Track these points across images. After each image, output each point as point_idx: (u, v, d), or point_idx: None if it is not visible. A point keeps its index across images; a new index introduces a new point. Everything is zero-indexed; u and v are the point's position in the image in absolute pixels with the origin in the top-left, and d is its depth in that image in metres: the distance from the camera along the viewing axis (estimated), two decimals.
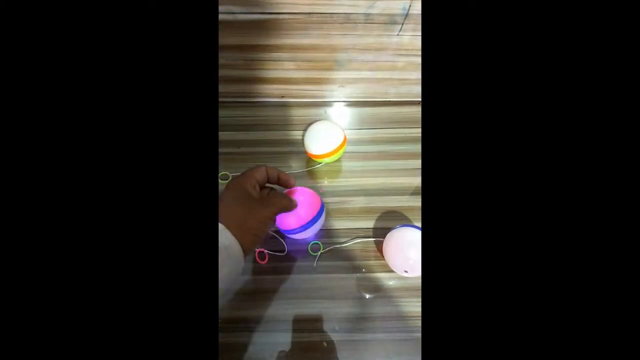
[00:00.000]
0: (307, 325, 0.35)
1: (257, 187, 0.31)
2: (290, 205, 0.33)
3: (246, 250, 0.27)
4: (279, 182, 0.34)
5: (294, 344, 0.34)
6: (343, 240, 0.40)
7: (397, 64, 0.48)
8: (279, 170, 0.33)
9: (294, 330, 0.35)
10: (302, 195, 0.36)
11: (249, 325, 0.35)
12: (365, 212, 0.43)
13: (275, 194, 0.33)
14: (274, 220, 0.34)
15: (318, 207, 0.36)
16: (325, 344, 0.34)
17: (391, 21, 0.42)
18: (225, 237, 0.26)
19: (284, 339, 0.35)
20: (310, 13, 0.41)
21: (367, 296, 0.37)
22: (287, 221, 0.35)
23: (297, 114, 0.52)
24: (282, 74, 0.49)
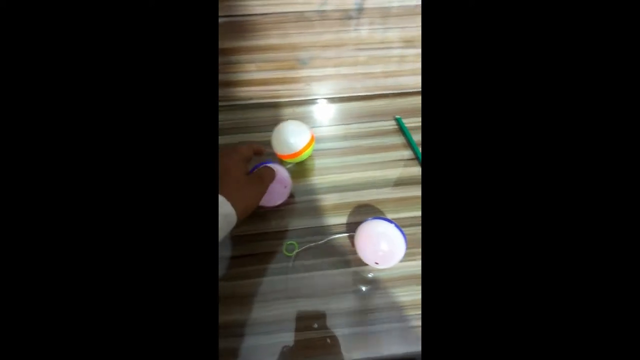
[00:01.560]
0: (286, 325, 0.35)
1: (246, 164, 0.36)
2: (274, 176, 0.38)
3: (239, 218, 0.32)
4: (255, 154, 0.39)
5: (276, 345, 0.34)
6: (318, 237, 0.40)
7: (359, 59, 0.48)
8: (254, 145, 0.38)
9: (278, 331, 0.35)
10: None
11: (230, 330, 0.35)
12: (339, 208, 0.43)
13: (264, 171, 0.37)
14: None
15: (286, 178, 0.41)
16: (312, 342, 0.34)
17: (346, 16, 0.42)
18: (227, 207, 0.31)
19: (268, 341, 0.34)
20: (264, 14, 0.41)
21: (364, 288, 0.37)
22: (273, 198, 0.40)
23: (265, 115, 0.52)
24: (245, 77, 0.49)
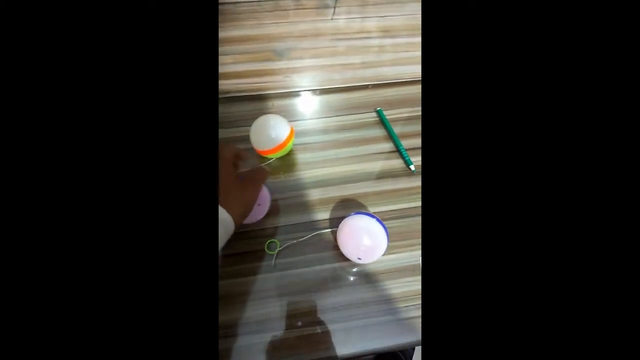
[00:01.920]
0: (271, 324, 0.35)
1: (233, 167, 0.35)
2: (266, 177, 0.38)
3: (237, 224, 0.32)
4: (237, 158, 0.37)
5: (264, 344, 0.34)
6: (301, 234, 0.40)
7: (337, 49, 0.47)
8: (236, 148, 0.37)
9: (264, 331, 0.34)
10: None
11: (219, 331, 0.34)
12: (321, 203, 0.43)
13: (257, 172, 0.37)
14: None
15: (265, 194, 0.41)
16: (300, 339, 0.34)
17: (322, 5, 0.40)
18: (222, 214, 0.30)
19: (256, 340, 0.34)
20: (236, 2, 0.38)
21: (349, 283, 0.37)
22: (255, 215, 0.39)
23: (243, 109, 0.50)
24: (221, 69, 0.47)
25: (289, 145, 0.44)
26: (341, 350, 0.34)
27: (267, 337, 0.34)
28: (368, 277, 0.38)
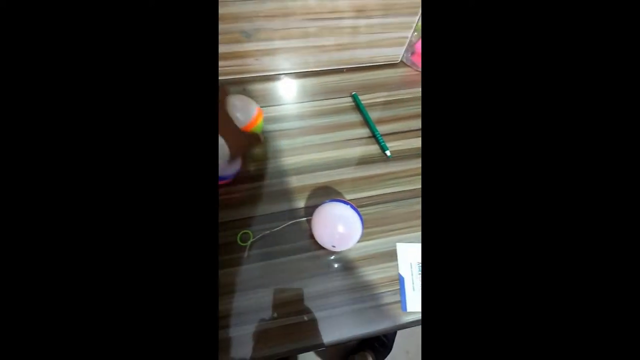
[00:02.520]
0: (246, 317, 0.34)
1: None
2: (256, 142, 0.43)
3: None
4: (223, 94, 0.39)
5: (247, 335, 0.33)
6: (276, 224, 0.39)
7: (309, 30, 0.45)
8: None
9: (247, 322, 0.33)
10: None
11: None
12: (297, 191, 0.41)
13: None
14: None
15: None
16: (280, 329, 0.34)
17: None
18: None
19: (235, 333, 0.33)
20: None
21: (329, 266, 0.37)
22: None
23: None
24: None
25: (258, 127, 0.42)
26: (325, 338, 0.33)
27: (250, 329, 0.33)
28: (345, 265, 0.37)
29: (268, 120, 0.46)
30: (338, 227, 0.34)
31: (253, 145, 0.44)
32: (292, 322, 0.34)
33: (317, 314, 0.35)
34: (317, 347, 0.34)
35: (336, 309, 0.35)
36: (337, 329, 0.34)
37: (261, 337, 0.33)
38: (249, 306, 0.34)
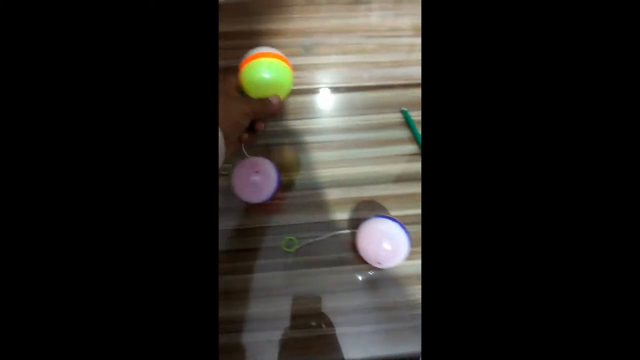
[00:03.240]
0: (284, 322, 0.35)
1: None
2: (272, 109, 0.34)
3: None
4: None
5: (272, 342, 0.34)
6: (319, 233, 0.39)
7: (367, 47, 0.46)
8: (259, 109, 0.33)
9: (275, 328, 0.34)
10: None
11: (230, 325, 0.34)
12: (340, 203, 0.42)
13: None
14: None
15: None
16: (311, 340, 0.34)
17: (355, 1, 0.39)
18: None
19: (267, 338, 0.34)
20: None
21: (365, 287, 0.37)
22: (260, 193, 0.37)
23: None
24: None
25: (283, 85, 0.37)
26: (351, 354, 0.33)
27: (277, 335, 0.34)
28: (386, 282, 0.37)
29: (317, 131, 0.47)
30: (384, 243, 0.34)
31: (268, 115, 0.35)
32: (322, 333, 0.34)
33: (347, 329, 0.35)
34: None
35: (371, 325, 0.35)
36: (368, 345, 0.34)
37: (292, 344, 0.34)
38: (283, 312, 0.35)
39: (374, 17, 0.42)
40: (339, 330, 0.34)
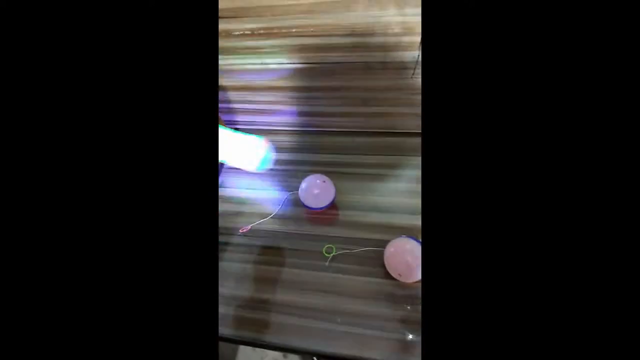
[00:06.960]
0: (315, 313, 0.42)
1: None
2: None
3: None
4: None
5: (301, 327, 0.41)
6: (353, 247, 0.47)
7: (414, 101, 0.55)
8: None
9: (303, 317, 0.42)
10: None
11: (267, 306, 0.43)
12: (380, 226, 0.49)
13: None
14: None
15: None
16: (333, 332, 0.40)
17: (403, 67, 0.50)
18: None
19: (292, 321, 0.42)
20: (338, 62, 0.52)
21: (393, 294, 0.42)
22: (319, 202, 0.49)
23: (330, 140, 0.63)
24: (321, 109, 0.61)
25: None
26: (368, 353, 0.38)
27: (304, 322, 0.41)
28: (405, 296, 0.42)
29: (367, 165, 0.57)
30: (406, 257, 0.39)
31: None
32: (350, 330, 0.40)
33: (369, 332, 0.40)
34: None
35: (387, 333, 0.39)
36: (384, 348, 0.38)
37: (318, 333, 0.40)
38: (318, 305, 0.42)
39: (419, 80, 0.52)
40: (359, 331, 0.40)
